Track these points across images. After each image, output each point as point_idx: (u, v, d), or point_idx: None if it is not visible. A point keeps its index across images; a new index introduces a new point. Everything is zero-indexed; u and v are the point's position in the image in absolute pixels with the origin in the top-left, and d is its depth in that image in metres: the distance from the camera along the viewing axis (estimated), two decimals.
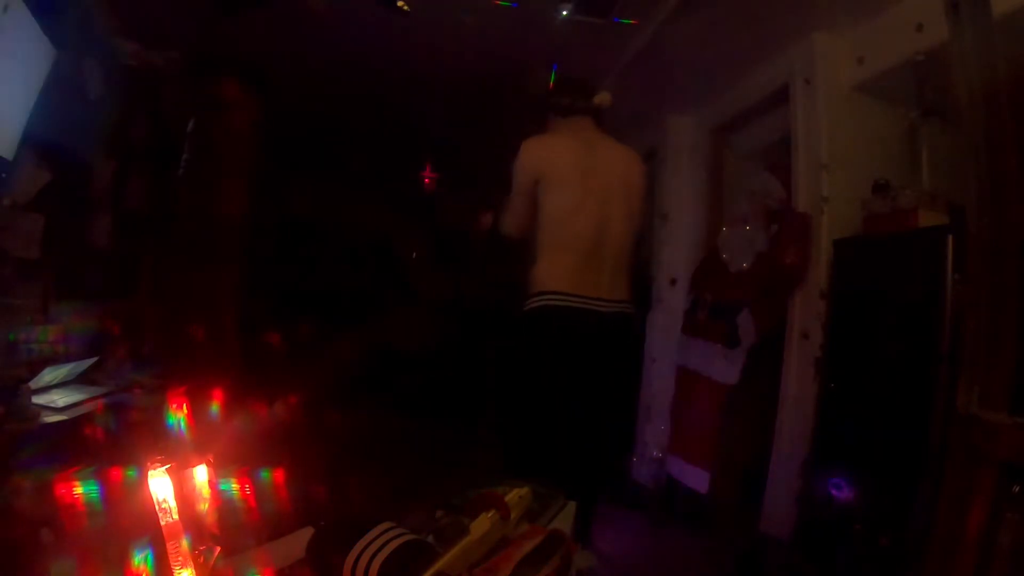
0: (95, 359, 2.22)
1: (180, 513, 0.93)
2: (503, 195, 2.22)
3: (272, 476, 1.23)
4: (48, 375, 1.97)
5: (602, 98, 2.22)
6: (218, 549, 1.00)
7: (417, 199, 5.73)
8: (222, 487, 1.11)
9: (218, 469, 1.08)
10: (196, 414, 1.25)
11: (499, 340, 4.93)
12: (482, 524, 1.07)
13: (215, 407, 1.43)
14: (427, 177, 5.30)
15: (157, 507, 0.91)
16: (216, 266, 2.29)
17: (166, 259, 2.44)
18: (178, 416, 1.17)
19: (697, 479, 2.74)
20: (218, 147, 2.30)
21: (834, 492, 2.06)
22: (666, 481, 3.06)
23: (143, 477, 0.92)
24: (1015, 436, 1.08)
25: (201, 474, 1.02)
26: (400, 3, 2.30)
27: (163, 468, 0.92)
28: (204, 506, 1.02)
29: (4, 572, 1.15)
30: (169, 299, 2.33)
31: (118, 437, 1.64)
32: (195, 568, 0.93)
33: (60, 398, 1.85)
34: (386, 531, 1.02)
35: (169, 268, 2.38)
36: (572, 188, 2.05)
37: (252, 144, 2.41)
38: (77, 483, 0.98)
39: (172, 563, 0.91)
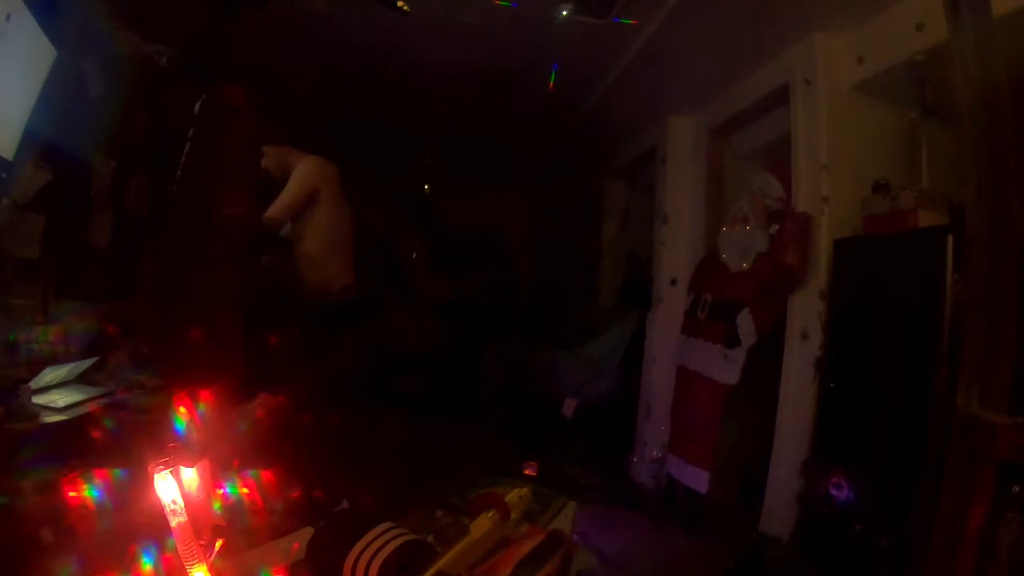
0: (95, 359, 2.21)
1: (189, 511, 0.94)
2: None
3: (273, 475, 1.23)
4: (48, 375, 1.97)
5: None
6: (221, 541, 1.01)
7: (416, 198, 5.73)
8: (225, 485, 1.12)
9: (220, 468, 1.09)
10: (199, 414, 1.26)
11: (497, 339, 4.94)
12: (482, 524, 1.07)
13: (216, 406, 1.43)
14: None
15: (166, 509, 0.91)
16: (219, 268, 2.29)
17: (165, 260, 2.44)
18: (181, 416, 1.17)
19: (697, 479, 2.74)
20: (221, 152, 2.29)
21: (834, 492, 2.06)
22: (666, 481, 3.06)
23: (144, 477, 0.92)
24: (1015, 436, 1.08)
25: (203, 471, 1.03)
26: (400, 3, 2.30)
27: (167, 471, 0.93)
28: (208, 500, 1.03)
29: (4, 572, 1.15)
30: (169, 300, 2.32)
31: (121, 437, 1.64)
32: (207, 565, 0.94)
33: (60, 398, 1.85)
34: (386, 531, 1.02)
35: (168, 269, 2.38)
36: None
37: (255, 148, 2.41)
38: (84, 484, 0.99)
39: (185, 561, 0.92)
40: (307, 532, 1.13)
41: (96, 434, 1.63)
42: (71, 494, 1.03)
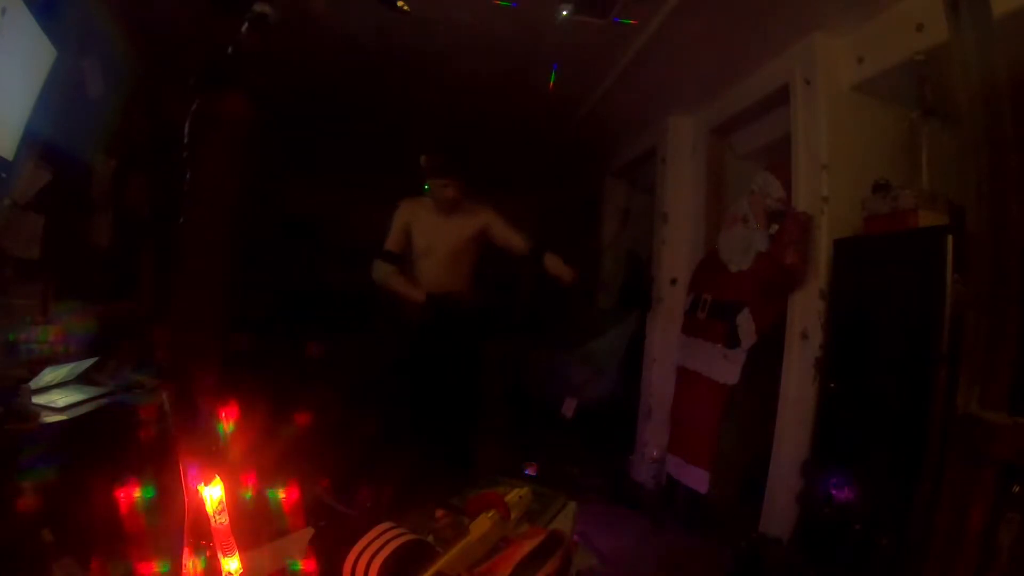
0: (95, 359, 2.21)
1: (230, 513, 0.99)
2: None
3: (274, 476, 1.25)
4: (48, 375, 1.97)
5: None
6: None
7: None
8: (236, 485, 1.14)
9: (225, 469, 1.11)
10: (200, 417, 1.27)
11: (499, 340, 4.93)
12: (482, 524, 1.07)
13: (222, 411, 1.44)
14: None
15: (212, 514, 0.95)
16: (204, 267, 2.30)
17: (162, 259, 2.45)
18: (222, 424, 1.20)
19: (697, 479, 2.74)
20: (213, 158, 2.31)
21: (834, 492, 2.06)
22: (666, 481, 3.06)
23: (190, 483, 0.97)
24: (1015, 436, 1.08)
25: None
26: (400, 3, 2.30)
27: (216, 478, 0.97)
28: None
29: (4, 572, 1.15)
30: (162, 298, 2.33)
31: (139, 441, 1.65)
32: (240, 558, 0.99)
33: (60, 398, 1.85)
34: (386, 531, 1.02)
35: (162, 268, 2.38)
36: None
37: (247, 154, 2.42)
38: (133, 487, 1.04)
39: (222, 555, 0.95)
40: (307, 532, 1.13)
41: (105, 435, 1.63)
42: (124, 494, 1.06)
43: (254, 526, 1.15)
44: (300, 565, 1.07)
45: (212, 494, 0.99)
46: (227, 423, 1.24)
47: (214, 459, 1.02)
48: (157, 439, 1.63)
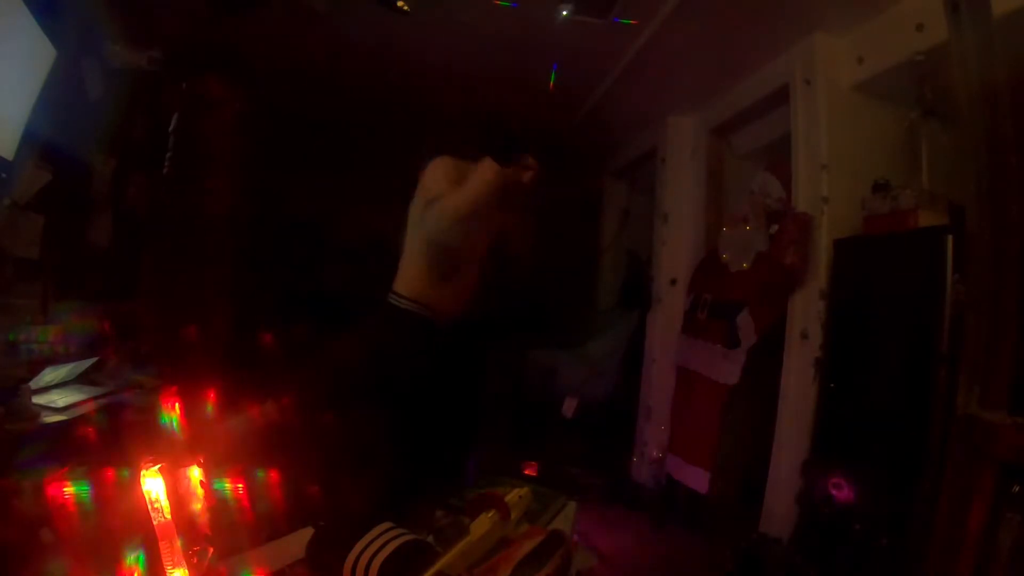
0: (95, 359, 2.21)
1: (174, 513, 0.93)
2: None
3: (268, 477, 1.23)
4: (48, 375, 1.97)
5: None
6: (211, 549, 1.00)
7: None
8: (216, 487, 1.11)
9: (212, 469, 1.08)
10: (190, 414, 1.25)
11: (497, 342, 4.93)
12: (482, 524, 1.07)
13: (209, 407, 1.43)
14: None
15: (150, 507, 0.91)
16: (202, 265, 2.29)
17: (160, 258, 2.45)
18: (171, 416, 1.17)
19: (697, 479, 2.74)
20: (202, 144, 2.29)
21: (834, 492, 2.06)
22: (666, 481, 3.06)
23: (136, 477, 0.92)
24: (1015, 436, 1.08)
25: (194, 474, 1.02)
26: (400, 3, 2.30)
27: (155, 468, 0.92)
28: (198, 506, 1.02)
29: (4, 572, 1.15)
30: (161, 298, 2.33)
31: (116, 437, 1.64)
32: (188, 568, 0.93)
33: (60, 398, 1.85)
34: (386, 531, 1.02)
35: (161, 267, 2.38)
36: None
37: (238, 139, 2.40)
38: (69, 482, 0.97)
39: (165, 563, 0.91)
40: (307, 532, 1.13)
41: (94, 434, 1.63)
42: (62, 493, 1.03)
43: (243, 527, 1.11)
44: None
45: (152, 488, 0.92)
46: (183, 415, 1.21)
47: (169, 453, 0.97)
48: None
